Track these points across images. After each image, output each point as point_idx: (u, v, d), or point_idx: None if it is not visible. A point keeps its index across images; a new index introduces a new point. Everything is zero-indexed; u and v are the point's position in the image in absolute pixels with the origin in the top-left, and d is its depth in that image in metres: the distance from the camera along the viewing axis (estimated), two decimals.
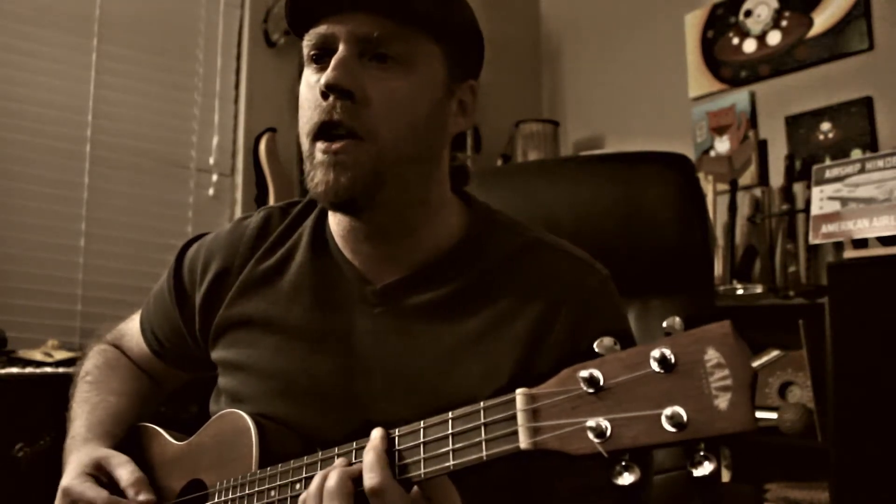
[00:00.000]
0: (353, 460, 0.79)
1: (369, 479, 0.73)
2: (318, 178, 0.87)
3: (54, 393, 1.22)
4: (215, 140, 2.90)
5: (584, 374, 0.61)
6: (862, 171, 2.13)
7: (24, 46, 2.53)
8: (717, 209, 2.76)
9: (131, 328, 1.21)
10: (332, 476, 0.76)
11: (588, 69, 3.57)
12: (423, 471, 0.74)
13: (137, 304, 1.23)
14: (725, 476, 2.37)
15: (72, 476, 0.99)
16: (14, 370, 2.05)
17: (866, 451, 1.90)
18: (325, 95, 0.86)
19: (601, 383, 0.60)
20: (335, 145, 0.86)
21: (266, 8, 2.97)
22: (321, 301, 0.98)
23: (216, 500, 0.92)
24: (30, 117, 2.52)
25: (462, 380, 0.90)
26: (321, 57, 0.89)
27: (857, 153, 2.60)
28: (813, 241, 2.21)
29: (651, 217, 1.36)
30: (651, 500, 0.94)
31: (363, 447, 0.77)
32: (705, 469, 0.53)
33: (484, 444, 0.68)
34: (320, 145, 0.87)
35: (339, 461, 0.79)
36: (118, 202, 2.68)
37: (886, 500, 1.85)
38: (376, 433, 0.77)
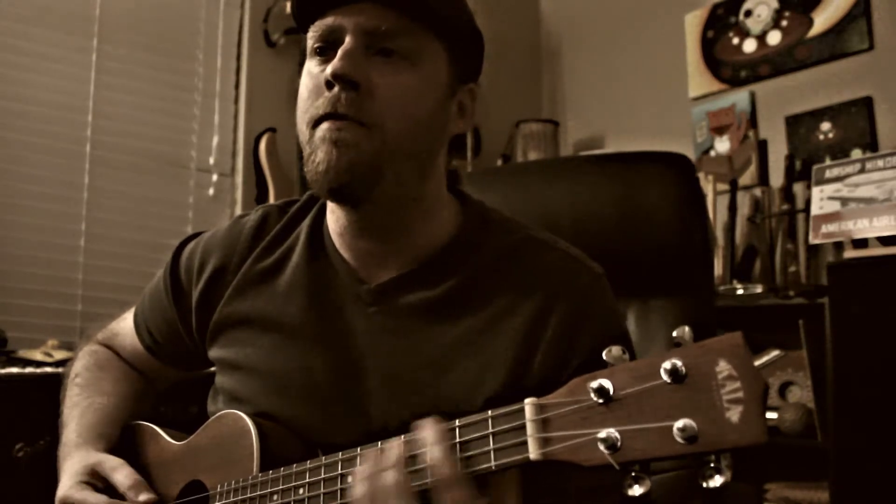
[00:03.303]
0: (359, 464, 0.77)
1: (439, 469, 0.69)
2: (318, 157, 0.86)
3: (54, 393, 1.20)
4: (215, 140, 2.90)
5: (594, 384, 0.61)
6: (862, 171, 2.13)
7: (25, 46, 2.52)
8: (717, 209, 2.76)
9: (124, 326, 1.21)
10: (389, 474, 0.72)
11: (588, 69, 3.56)
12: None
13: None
14: None
15: (68, 485, 0.98)
16: (14, 370, 2.04)
17: (866, 451, 1.91)
18: (329, 85, 0.86)
19: (611, 394, 0.60)
20: (339, 123, 0.85)
21: (266, 8, 2.97)
22: (317, 301, 0.98)
23: (217, 502, 0.92)
24: (30, 117, 2.51)
25: (458, 378, 0.89)
26: (325, 49, 0.89)
27: (857, 153, 2.60)
28: (813, 241, 2.21)
29: (651, 217, 1.36)
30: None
31: (370, 449, 0.77)
32: (716, 482, 0.54)
33: (493, 453, 0.68)
34: (323, 125, 0.86)
35: (375, 457, 0.75)
36: (118, 202, 2.67)
37: (886, 500, 1.85)
38: (430, 423, 0.73)
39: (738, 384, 0.54)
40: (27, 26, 2.53)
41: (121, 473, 0.98)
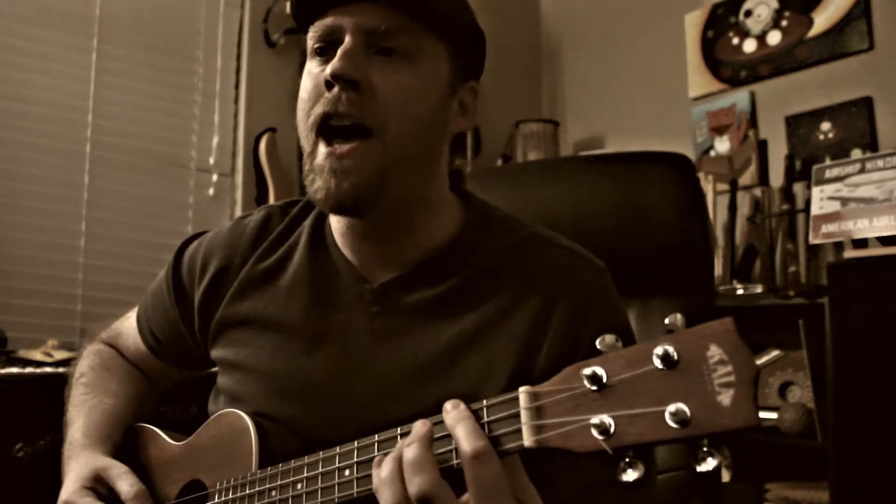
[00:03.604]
0: (356, 458, 0.78)
1: (472, 443, 0.67)
2: (317, 183, 0.86)
3: (54, 393, 1.21)
4: (215, 140, 2.90)
5: (587, 371, 0.61)
6: (862, 171, 2.14)
7: (25, 46, 2.53)
8: (717, 209, 2.76)
9: (127, 326, 1.21)
10: (413, 448, 0.69)
11: (588, 69, 3.57)
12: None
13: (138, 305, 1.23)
14: (725, 476, 2.36)
15: (71, 490, 0.98)
16: (14, 370, 2.05)
17: (866, 451, 1.91)
18: (329, 85, 0.86)
19: (604, 381, 0.60)
20: (340, 149, 0.85)
21: (266, 8, 2.98)
22: (319, 300, 0.98)
23: (216, 500, 0.92)
24: (30, 117, 2.52)
25: (461, 378, 0.89)
26: (325, 49, 0.89)
27: (857, 153, 2.60)
28: (813, 241, 2.22)
29: (651, 217, 1.36)
30: (656, 494, 0.94)
31: (369, 444, 0.77)
32: (709, 465, 0.54)
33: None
34: (323, 148, 0.86)
35: (401, 440, 0.73)
36: (118, 202, 2.68)
37: (886, 500, 1.85)
38: (451, 404, 0.71)
39: (729, 368, 0.54)
40: (27, 26, 2.54)
41: (125, 482, 0.97)
